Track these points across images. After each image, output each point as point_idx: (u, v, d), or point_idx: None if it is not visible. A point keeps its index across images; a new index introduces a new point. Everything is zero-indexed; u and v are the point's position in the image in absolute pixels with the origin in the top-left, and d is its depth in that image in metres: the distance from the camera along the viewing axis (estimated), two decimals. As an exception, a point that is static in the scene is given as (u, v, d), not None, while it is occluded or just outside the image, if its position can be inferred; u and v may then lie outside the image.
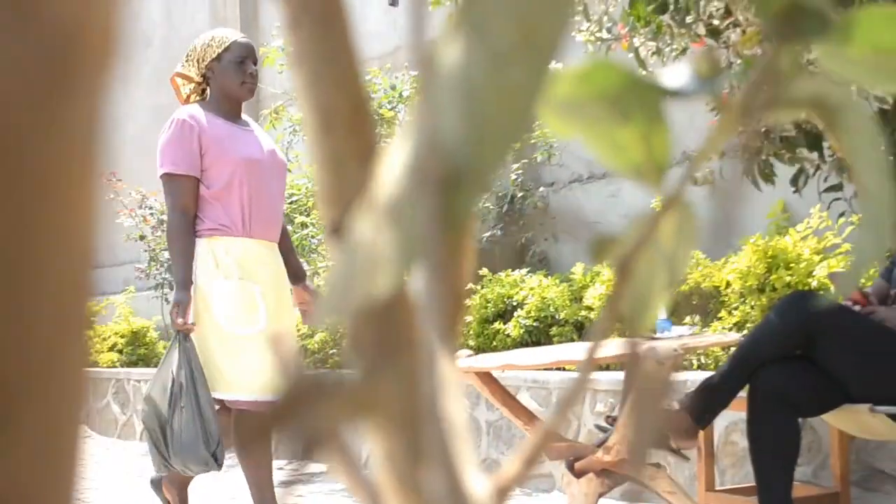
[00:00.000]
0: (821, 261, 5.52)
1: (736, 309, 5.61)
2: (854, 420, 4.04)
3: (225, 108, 4.53)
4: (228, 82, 4.51)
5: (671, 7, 4.06)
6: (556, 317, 6.62)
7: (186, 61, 4.61)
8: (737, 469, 5.06)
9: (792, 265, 5.54)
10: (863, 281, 5.18)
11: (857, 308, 4.09)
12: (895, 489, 4.65)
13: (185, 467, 4.32)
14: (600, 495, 3.56)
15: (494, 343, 6.75)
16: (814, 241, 5.68)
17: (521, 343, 6.56)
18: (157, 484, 4.72)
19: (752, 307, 5.49)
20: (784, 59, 0.61)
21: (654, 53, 4.37)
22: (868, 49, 0.73)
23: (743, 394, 3.92)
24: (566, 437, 3.76)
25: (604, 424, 3.79)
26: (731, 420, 5.00)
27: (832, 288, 4.27)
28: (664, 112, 0.58)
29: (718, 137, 0.59)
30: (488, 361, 3.56)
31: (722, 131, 0.60)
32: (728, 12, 4.00)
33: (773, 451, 3.83)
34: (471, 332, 6.93)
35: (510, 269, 7.22)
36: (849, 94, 0.59)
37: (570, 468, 3.63)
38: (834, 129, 0.60)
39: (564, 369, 6.22)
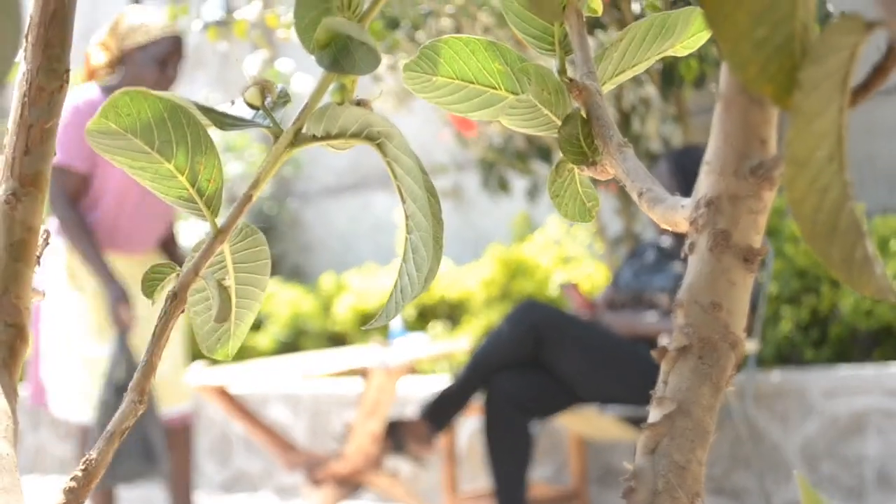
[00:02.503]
0: (557, 266, 5.71)
1: (482, 315, 5.74)
2: (587, 422, 4.20)
3: None
4: (143, 78, 4.08)
5: (401, 23, 4.13)
6: (308, 328, 6.64)
7: (109, 33, 4.19)
8: (483, 472, 5.17)
9: (532, 273, 5.71)
10: (591, 287, 5.38)
11: (585, 314, 4.25)
12: (631, 486, 4.83)
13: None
14: (338, 502, 3.59)
15: (247, 355, 6.71)
16: (553, 250, 5.87)
17: (274, 354, 6.55)
18: None
19: (496, 314, 5.63)
20: (334, 89, 0.65)
21: (390, 68, 4.44)
22: (453, 77, 0.77)
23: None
24: (302, 447, 3.77)
25: (342, 433, 3.81)
26: (477, 425, 5.11)
27: (570, 297, 4.43)
28: (210, 142, 0.60)
29: (271, 166, 0.62)
30: (217, 378, 3.54)
31: (273, 160, 0.62)
32: (458, 30, 4.09)
33: (508, 454, 3.94)
34: (221, 345, 6.85)
35: (262, 282, 7.17)
36: (391, 124, 0.63)
37: (309, 477, 3.65)
38: (382, 158, 0.64)
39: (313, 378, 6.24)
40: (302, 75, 6.31)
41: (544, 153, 4.72)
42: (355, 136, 0.63)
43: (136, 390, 0.55)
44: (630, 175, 0.69)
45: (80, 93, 4.12)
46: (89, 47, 4.22)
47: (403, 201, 0.63)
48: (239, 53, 8.35)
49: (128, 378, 3.90)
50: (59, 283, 4.16)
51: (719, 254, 0.58)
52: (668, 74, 4.39)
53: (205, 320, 0.66)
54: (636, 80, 4.34)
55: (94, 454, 0.55)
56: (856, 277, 0.50)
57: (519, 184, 5.27)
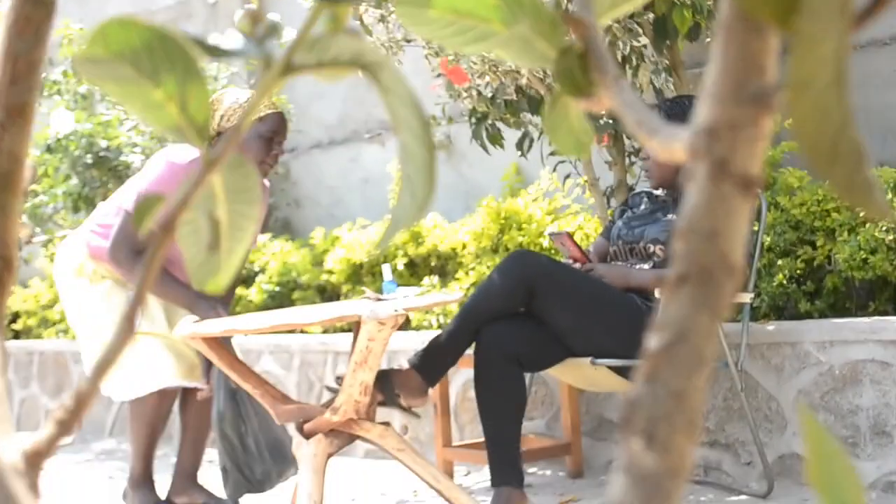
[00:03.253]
0: (552, 221, 5.71)
1: (472, 269, 5.74)
2: (579, 374, 4.20)
3: None
4: (249, 154, 4.09)
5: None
6: (299, 281, 6.64)
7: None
8: (475, 424, 5.19)
9: (524, 226, 5.71)
10: (583, 239, 5.38)
11: (576, 265, 4.25)
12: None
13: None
14: (329, 455, 3.59)
15: (238, 309, 6.70)
16: (545, 203, 5.87)
17: (264, 308, 6.54)
18: None
19: (487, 267, 5.62)
20: (326, 19, 0.63)
21: (379, 20, 4.41)
22: (447, 11, 0.76)
23: (472, 351, 4.02)
24: (294, 399, 3.77)
25: (334, 385, 3.82)
26: (468, 377, 5.12)
27: (562, 246, 4.42)
28: (200, 71, 0.59)
29: (261, 97, 0.61)
30: (210, 327, 3.54)
31: (263, 91, 0.61)
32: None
33: (500, 405, 3.93)
34: (213, 298, 6.85)
35: (252, 235, 7.18)
36: (382, 55, 0.61)
37: (300, 430, 3.65)
38: (376, 87, 0.63)
39: (304, 332, 6.25)
40: (289, 30, 6.27)
41: (534, 105, 4.70)
42: (347, 64, 0.62)
43: (127, 319, 0.55)
44: (627, 106, 0.68)
45: (184, 152, 4.13)
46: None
47: (398, 132, 0.62)
48: (227, 5, 8.29)
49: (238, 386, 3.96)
50: (69, 279, 4.23)
51: (718, 182, 0.57)
52: (662, 26, 4.37)
53: (195, 252, 0.65)
54: (629, 31, 4.32)
55: (84, 386, 0.54)
56: (857, 199, 0.49)
57: (510, 136, 5.25)
